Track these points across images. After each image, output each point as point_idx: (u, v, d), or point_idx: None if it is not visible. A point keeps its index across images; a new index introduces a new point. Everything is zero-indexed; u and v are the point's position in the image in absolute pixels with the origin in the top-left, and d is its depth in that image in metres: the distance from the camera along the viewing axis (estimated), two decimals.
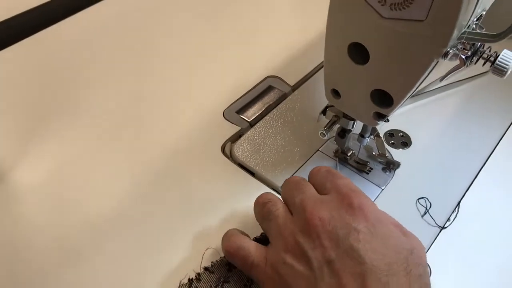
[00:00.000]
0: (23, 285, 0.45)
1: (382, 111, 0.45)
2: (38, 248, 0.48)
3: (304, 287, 0.38)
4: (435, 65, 0.39)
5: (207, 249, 0.47)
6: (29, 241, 0.48)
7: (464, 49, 0.39)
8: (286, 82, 0.65)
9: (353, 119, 0.51)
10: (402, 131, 0.60)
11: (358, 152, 0.55)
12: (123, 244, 0.48)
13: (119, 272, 0.46)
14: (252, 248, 0.43)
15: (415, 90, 0.42)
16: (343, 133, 0.53)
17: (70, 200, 0.52)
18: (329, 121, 0.51)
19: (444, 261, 0.48)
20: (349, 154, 0.56)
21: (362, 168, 0.55)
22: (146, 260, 0.47)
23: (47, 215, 0.51)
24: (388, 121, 0.47)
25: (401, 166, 0.55)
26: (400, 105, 0.44)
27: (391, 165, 0.55)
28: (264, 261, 0.42)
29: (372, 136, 0.54)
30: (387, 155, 0.56)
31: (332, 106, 0.51)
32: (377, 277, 0.36)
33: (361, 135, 0.53)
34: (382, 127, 0.59)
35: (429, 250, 0.49)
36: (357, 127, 0.53)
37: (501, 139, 0.59)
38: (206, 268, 0.45)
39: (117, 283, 0.45)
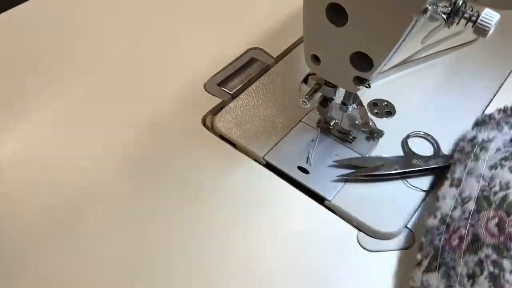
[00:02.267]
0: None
1: (363, 75, 0.44)
2: (24, 218, 0.47)
3: None
4: (414, 24, 0.38)
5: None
6: (14, 213, 0.48)
7: (444, 6, 0.38)
8: (269, 54, 0.64)
9: (335, 87, 0.50)
10: (386, 101, 0.59)
11: (341, 121, 0.54)
12: (104, 218, 0.48)
13: (101, 244, 0.46)
14: None
15: (394, 52, 0.41)
16: (325, 102, 0.52)
17: (50, 174, 0.51)
18: (311, 89, 0.50)
19: None
20: (331, 124, 0.55)
21: (345, 137, 0.54)
22: (125, 232, 0.46)
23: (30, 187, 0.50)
24: (369, 86, 0.47)
25: (384, 134, 0.55)
26: (380, 68, 0.43)
27: (374, 134, 0.55)
28: None
29: (355, 105, 0.53)
30: (370, 124, 0.55)
31: (313, 74, 0.50)
32: None
33: (343, 103, 0.52)
34: (366, 97, 0.59)
35: (417, 210, 0.49)
36: (340, 96, 0.52)
37: (485, 109, 0.58)
38: None
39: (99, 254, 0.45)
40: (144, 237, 0.46)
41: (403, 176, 0.51)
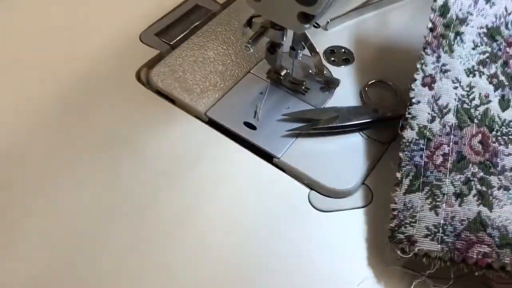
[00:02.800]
0: None
1: (308, 10, 0.38)
2: None
3: None
4: None
5: None
6: None
7: None
8: (215, 0, 0.57)
9: (283, 29, 0.44)
10: (344, 48, 0.53)
11: (292, 70, 0.49)
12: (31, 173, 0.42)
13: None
14: None
15: None
16: (273, 48, 0.47)
17: None
18: (255, 33, 0.44)
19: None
20: (282, 74, 0.49)
21: (297, 88, 0.49)
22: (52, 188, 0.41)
23: None
24: (318, 26, 0.41)
25: (341, 84, 0.50)
26: (326, 2, 0.37)
27: (330, 84, 0.49)
28: None
29: (308, 52, 0.47)
30: (325, 73, 0.50)
31: (258, 16, 0.45)
32: None
33: (292, 48, 0.46)
34: (323, 44, 0.53)
35: (376, 165, 0.45)
36: (290, 42, 0.46)
37: None
38: None
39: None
40: (75, 193, 0.41)
41: (360, 128, 0.46)
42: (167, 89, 0.48)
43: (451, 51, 0.42)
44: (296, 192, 0.43)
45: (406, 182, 0.39)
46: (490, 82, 0.42)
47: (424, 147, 0.40)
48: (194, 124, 0.47)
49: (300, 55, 0.47)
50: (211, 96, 0.48)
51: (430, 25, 0.42)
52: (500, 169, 0.39)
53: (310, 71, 0.50)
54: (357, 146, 0.45)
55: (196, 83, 0.49)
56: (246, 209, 0.42)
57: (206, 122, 0.47)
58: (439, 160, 0.39)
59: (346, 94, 0.49)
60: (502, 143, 0.40)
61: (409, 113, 0.41)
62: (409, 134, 0.41)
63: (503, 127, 0.41)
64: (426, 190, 0.39)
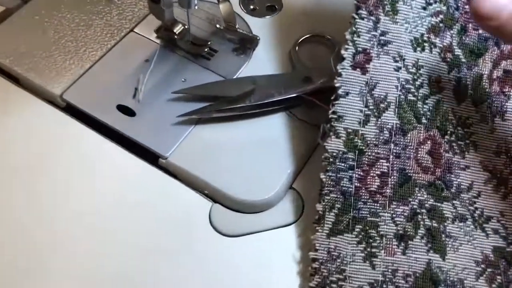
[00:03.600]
0: None
1: None
2: None
3: None
4: None
5: None
6: None
7: None
8: None
9: None
10: None
11: (189, 25, 0.34)
12: None
13: None
14: None
15: None
16: None
17: None
18: None
19: None
20: (177, 31, 0.35)
21: (198, 51, 0.34)
22: None
23: None
24: None
25: (262, 42, 0.35)
26: None
27: (246, 43, 0.35)
28: None
29: None
30: (238, 27, 0.35)
31: None
32: None
33: None
34: None
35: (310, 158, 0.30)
36: None
37: None
38: None
39: None
40: None
41: (287, 105, 0.32)
42: (8, 64, 0.33)
43: (394, 12, 0.28)
44: (192, 207, 0.29)
45: (331, 218, 0.27)
46: (443, 59, 0.29)
47: (355, 164, 0.27)
48: (46, 111, 0.32)
49: (196, 3, 0.32)
50: (71, 72, 0.33)
51: None
52: (455, 191, 0.27)
53: (218, 25, 0.35)
54: (281, 133, 0.31)
55: (50, 53, 0.34)
56: (116, 238, 0.28)
57: (63, 109, 0.32)
58: (375, 183, 0.27)
59: (269, 57, 0.35)
60: (458, 151, 0.28)
61: (334, 112, 0.27)
62: (333, 145, 0.27)
63: (459, 128, 0.28)
64: (358, 230, 0.27)
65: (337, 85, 0.27)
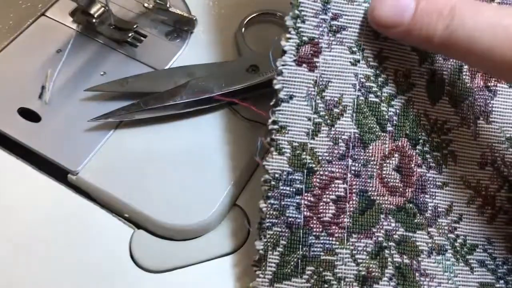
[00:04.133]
0: None
1: None
2: None
3: None
4: None
5: None
6: None
7: None
8: None
9: None
10: None
11: (107, 4, 0.28)
12: None
13: None
14: None
15: None
16: None
17: None
18: None
19: None
20: (95, 13, 0.28)
21: (122, 36, 0.28)
22: None
23: None
24: None
25: (200, 23, 0.29)
26: None
27: (181, 25, 0.29)
28: None
29: None
30: (169, 6, 0.29)
31: None
32: None
33: None
34: None
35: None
36: None
37: None
38: None
39: None
40: None
41: (230, 100, 0.27)
42: None
43: None
44: (109, 234, 0.23)
45: (274, 258, 0.21)
46: (413, 48, 0.22)
47: (303, 188, 0.21)
48: None
49: None
50: None
51: None
52: (430, 215, 0.22)
53: (146, 4, 0.29)
54: (222, 136, 0.25)
55: None
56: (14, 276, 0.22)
57: None
58: (330, 211, 0.21)
59: (209, 41, 0.29)
60: (433, 164, 0.22)
61: (274, 122, 0.21)
62: (275, 164, 0.21)
63: (433, 135, 0.22)
64: (310, 273, 0.21)
65: (277, 86, 0.21)
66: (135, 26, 0.28)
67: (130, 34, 0.28)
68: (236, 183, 0.24)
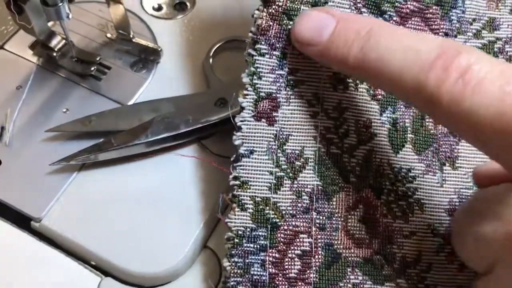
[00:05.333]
0: None
1: None
2: None
3: None
4: None
5: None
6: None
7: None
8: None
9: None
10: None
11: (67, 38, 0.26)
12: None
13: None
14: None
15: None
16: (14, 1, 0.24)
17: None
18: None
19: None
20: (56, 46, 0.27)
21: (85, 70, 0.27)
22: None
23: None
24: None
25: (168, 52, 0.28)
26: None
27: (147, 56, 0.28)
28: None
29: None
30: (133, 36, 0.28)
31: None
32: None
33: (44, 2, 0.24)
34: None
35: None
36: None
37: None
38: None
39: None
40: None
41: (200, 135, 0.26)
42: None
43: None
44: (76, 281, 0.22)
45: None
46: (373, 97, 0.22)
47: (268, 244, 0.20)
48: None
49: (68, 12, 0.24)
50: None
51: None
52: (399, 266, 0.21)
53: (109, 34, 0.28)
54: (190, 173, 0.25)
55: None
56: None
57: None
58: (296, 267, 0.20)
59: (177, 72, 0.28)
60: (399, 214, 0.21)
61: (236, 178, 0.21)
62: (237, 221, 0.21)
63: (398, 184, 0.22)
64: None
65: (236, 142, 0.21)
66: (98, 59, 0.27)
67: (93, 68, 0.27)
68: (206, 224, 0.24)
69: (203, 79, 0.28)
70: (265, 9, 0.20)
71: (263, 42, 0.20)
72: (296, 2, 0.20)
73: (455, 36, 0.22)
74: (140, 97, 0.27)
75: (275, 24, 0.20)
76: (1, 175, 0.24)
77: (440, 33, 0.22)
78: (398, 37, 0.18)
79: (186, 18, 0.30)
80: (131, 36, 0.27)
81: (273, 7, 0.20)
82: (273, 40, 0.20)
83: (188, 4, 0.30)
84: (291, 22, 0.20)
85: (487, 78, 0.16)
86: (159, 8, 0.30)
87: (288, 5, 0.20)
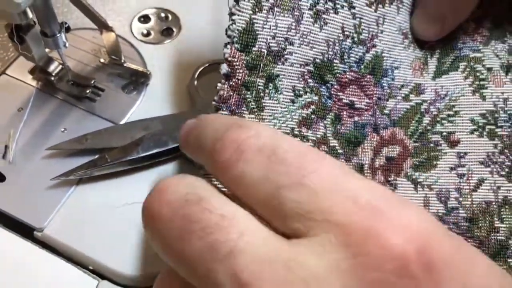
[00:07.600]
0: None
1: None
2: None
3: None
4: None
5: None
6: None
7: None
8: None
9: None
10: (166, 10, 0.34)
11: (64, 64, 0.29)
12: None
13: None
14: None
15: None
16: (17, 34, 0.27)
17: None
18: None
19: None
20: (53, 71, 0.30)
21: (81, 92, 0.30)
22: None
23: None
24: None
25: (157, 75, 0.31)
26: None
27: (137, 78, 0.31)
28: None
29: (98, 29, 0.28)
30: (124, 61, 0.31)
31: None
32: None
33: (43, 33, 0.27)
34: (129, 9, 0.34)
35: None
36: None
37: None
38: None
39: None
40: None
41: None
42: None
43: (260, 109, 0.23)
44: (75, 285, 0.25)
45: None
46: None
47: None
48: None
49: (65, 41, 0.27)
50: None
51: (225, 68, 0.23)
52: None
53: (102, 59, 0.31)
54: None
55: None
56: None
57: None
58: None
59: (165, 93, 0.31)
60: None
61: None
62: None
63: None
64: None
65: None
66: (92, 82, 0.30)
67: (88, 90, 0.30)
68: None
69: (189, 99, 0.30)
70: (226, 82, 0.23)
71: (224, 109, 0.23)
72: (253, 76, 0.23)
73: (387, 100, 0.25)
74: (132, 117, 0.30)
75: (234, 94, 0.23)
76: (6, 189, 0.27)
77: (374, 98, 0.25)
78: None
79: (173, 43, 0.33)
80: (123, 60, 0.30)
81: (234, 80, 0.23)
82: (233, 107, 0.23)
83: (174, 30, 0.33)
84: (248, 92, 0.23)
85: None
86: (148, 34, 0.33)
87: (246, 78, 0.23)
